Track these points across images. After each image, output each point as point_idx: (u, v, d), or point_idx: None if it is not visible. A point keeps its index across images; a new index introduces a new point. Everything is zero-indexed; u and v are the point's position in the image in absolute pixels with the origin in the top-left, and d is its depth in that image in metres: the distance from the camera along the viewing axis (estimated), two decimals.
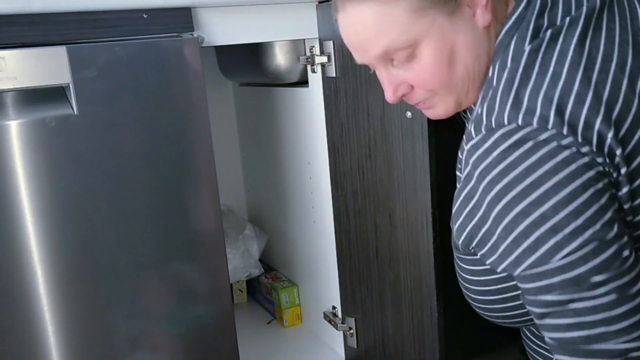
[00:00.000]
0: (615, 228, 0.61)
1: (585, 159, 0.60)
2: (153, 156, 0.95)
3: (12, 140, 0.85)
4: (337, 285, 1.27)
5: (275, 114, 1.42)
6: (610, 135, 0.61)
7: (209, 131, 0.98)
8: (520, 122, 0.62)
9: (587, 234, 0.60)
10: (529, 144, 0.61)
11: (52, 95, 0.89)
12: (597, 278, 0.60)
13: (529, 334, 0.85)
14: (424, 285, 1.00)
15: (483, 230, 0.67)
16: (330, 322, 1.32)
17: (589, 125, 0.61)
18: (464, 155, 0.69)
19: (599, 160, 0.61)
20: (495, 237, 0.65)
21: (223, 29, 1.02)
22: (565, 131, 0.60)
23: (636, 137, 0.63)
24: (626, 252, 0.61)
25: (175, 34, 0.96)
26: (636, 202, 0.64)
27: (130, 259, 0.95)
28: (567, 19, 0.67)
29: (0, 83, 0.82)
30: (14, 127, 0.85)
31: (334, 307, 1.32)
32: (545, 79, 0.64)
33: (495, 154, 0.63)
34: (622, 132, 0.62)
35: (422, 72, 0.71)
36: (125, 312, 0.96)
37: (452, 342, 1.07)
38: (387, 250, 1.08)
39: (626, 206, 0.63)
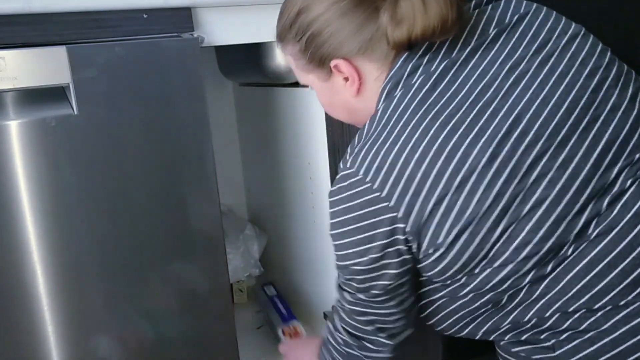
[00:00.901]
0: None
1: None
2: (153, 156, 0.95)
3: (12, 140, 0.85)
4: None
5: (275, 114, 1.42)
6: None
7: (208, 131, 0.98)
8: (354, 168, 0.76)
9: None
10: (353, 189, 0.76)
11: (52, 95, 0.89)
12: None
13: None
14: None
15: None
16: None
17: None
18: None
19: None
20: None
21: (223, 28, 1.02)
22: (384, 195, 0.73)
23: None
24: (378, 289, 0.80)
25: (175, 34, 0.96)
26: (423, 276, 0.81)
27: (130, 259, 0.95)
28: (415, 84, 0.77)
29: (0, 83, 0.82)
30: (14, 127, 0.85)
31: (334, 307, 1.32)
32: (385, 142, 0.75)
33: (334, 186, 0.79)
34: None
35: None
36: (125, 312, 0.96)
37: (451, 342, 1.07)
38: None
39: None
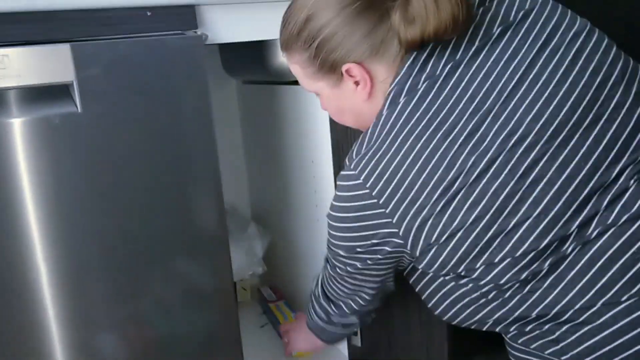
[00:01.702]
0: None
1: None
2: (156, 154, 0.94)
3: (15, 138, 0.85)
4: None
5: (279, 112, 1.42)
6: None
7: (212, 129, 0.98)
8: (356, 171, 0.79)
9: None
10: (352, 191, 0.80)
11: (55, 93, 0.89)
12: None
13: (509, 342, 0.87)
14: None
15: None
16: None
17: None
18: None
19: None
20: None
21: (227, 26, 1.02)
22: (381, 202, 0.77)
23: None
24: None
25: (179, 31, 0.95)
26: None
27: (134, 257, 0.95)
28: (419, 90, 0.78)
29: (3, 81, 0.82)
30: (18, 125, 0.85)
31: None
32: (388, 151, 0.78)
33: (339, 181, 0.82)
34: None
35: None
36: (129, 310, 0.96)
37: (455, 340, 1.07)
38: None
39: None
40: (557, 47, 0.76)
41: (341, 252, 0.87)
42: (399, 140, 0.76)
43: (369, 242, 0.81)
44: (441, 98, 0.76)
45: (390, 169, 0.76)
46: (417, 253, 0.78)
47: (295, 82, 1.31)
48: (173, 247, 0.98)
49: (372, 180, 0.77)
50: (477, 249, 0.75)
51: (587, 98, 0.74)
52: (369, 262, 0.85)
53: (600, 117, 0.74)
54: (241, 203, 1.75)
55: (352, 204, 0.80)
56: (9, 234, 0.87)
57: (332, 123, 1.18)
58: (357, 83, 0.82)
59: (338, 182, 0.83)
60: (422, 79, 0.77)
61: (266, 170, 1.60)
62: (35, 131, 0.85)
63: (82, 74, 0.86)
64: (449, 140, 0.74)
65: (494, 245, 0.74)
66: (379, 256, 0.83)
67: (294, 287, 1.55)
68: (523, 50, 0.76)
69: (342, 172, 0.82)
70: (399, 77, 0.78)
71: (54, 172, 0.87)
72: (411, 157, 0.75)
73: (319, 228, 1.33)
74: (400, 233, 0.77)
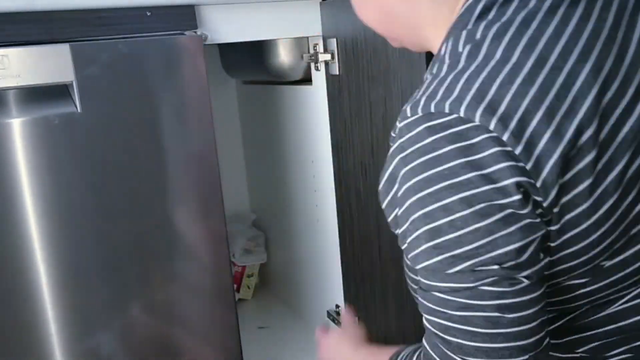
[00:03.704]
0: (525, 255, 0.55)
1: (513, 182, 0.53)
2: (156, 153, 0.94)
3: (15, 138, 0.85)
4: (341, 284, 1.27)
5: (278, 112, 1.42)
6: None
7: (212, 129, 0.98)
8: (462, 114, 0.54)
9: (487, 256, 0.54)
10: (464, 142, 0.54)
11: (55, 93, 0.89)
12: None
13: None
14: None
15: (398, 215, 0.60)
16: (333, 320, 1.31)
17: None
18: (396, 133, 0.61)
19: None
20: (405, 227, 0.59)
21: (226, 26, 1.02)
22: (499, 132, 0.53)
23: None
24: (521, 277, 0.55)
25: (179, 31, 0.95)
26: (560, 239, 0.57)
27: (133, 256, 0.95)
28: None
29: (3, 81, 0.82)
30: (17, 125, 0.85)
31: (337, 306, 1.32)
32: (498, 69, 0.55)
33: (425, 141, 0.55)
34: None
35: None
36: (127, 310, 0.96)
37: None
38: (390, 249, 1.07)
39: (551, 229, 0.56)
40: None
41: (458, 249, 0.54)
42: (496, 53, 0.55)
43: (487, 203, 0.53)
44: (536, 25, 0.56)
45: (497, 82, 0.54)
46: (558, 208, 0.54)
47: (295, 82, 1.32)
48: (173, 246, 0.98)
49: (466, 103, 0.53)
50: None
51: None
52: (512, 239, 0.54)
53: None
54: (241, 202, 1.75)
55: (448, 148, 0.53)
56: (9, 234, 0.87)
57: (332, 122, 1.18)
58: None
59: (425, 157, 0.55)
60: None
61: (266, 169, 1.60)
62: (34, 131, 0.85)
63: (81, 74, 0.86)
64: (555, 48, 0.55)
65: None
66: (510, 228, 0.53)
67: (293, 287, 1.55)
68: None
69: (402, 124, 0.58)
70: None
71: (53, 172, 0.87)
72: (511, 63, 0.54)
73: (319, 228, 1.33)
74: (529, 165, 0.52)
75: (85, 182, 0.90)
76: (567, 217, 0.56)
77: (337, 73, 1.12)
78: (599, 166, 0.55)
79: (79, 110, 0.87)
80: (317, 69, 1.19)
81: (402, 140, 0.58)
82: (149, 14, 0.93)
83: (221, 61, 1.55)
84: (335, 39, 1.10)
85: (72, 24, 0.88)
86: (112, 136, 0.90)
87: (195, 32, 0.97)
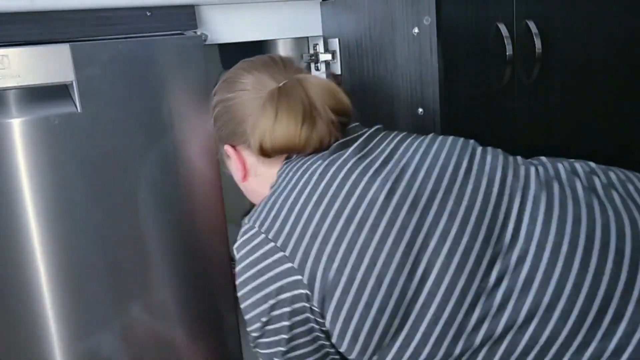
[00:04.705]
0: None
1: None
2: (156, 154, 0.94)
3: (15, 138, 0.85)
4: None
5: None
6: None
7: (212, 129, 0.98)
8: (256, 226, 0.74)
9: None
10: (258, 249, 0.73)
11: (55, 93, 0.89)
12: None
13: None
14: None
15: None
16: None
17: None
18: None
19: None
20: None
21: (226, 26, 1.02)
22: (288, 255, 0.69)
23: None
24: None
25: (179, 31, 0.95)
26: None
27: (133, 257, 0.95)
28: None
29: (3, 81, 0.82)
30: (17, 125, 0.85)
31: None
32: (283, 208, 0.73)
33: (238, 241, 0.76)
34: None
35: None
36: (128, 310, 0.96)
37: None
38: None
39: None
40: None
41: (256, 333, 0.76)
42: (292, 182, 0.75)
43: (278, 300, 0.70)
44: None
45: (287, 207, 0.71)
46: (327, 308, 0.67)
47: None
48: (172, 246, 0.98)
49: (267, 223, 0.72)
50: (405, 299, 0.66)
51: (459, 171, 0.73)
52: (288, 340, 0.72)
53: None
54: (241, 202, 1.74)
55: (253, 256, 0.72)
56: (9, 234, 0.87)
57: None
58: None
59: (235, 248, 0.76)
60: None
61: None
62: (34, 131, 0.85)
63: (81, 74, 0.86)
64: (344, 170, 0.72)
65: (420, 288, 0.66)
66: (288, 323, 0.70)
67: None
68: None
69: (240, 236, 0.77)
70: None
71: (53, 172, 0.87)
72: (307, 190, 0.72)
73: None
74: (305, 280, 0.68)
75: (84, 182, 0.90)
76: None
77: (339, 72, 1.12)
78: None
79: (79, 110, 0.87)
80: (317, 69, 1.19)
81: None
82: (149, 14, 0.93)
83: (221, 61, 1.55)
84: (336, 39, 1.10)
85: (72, 24, 0.88)
86: (112, 136, 0.90)
87: (195, 32, 0.97)
